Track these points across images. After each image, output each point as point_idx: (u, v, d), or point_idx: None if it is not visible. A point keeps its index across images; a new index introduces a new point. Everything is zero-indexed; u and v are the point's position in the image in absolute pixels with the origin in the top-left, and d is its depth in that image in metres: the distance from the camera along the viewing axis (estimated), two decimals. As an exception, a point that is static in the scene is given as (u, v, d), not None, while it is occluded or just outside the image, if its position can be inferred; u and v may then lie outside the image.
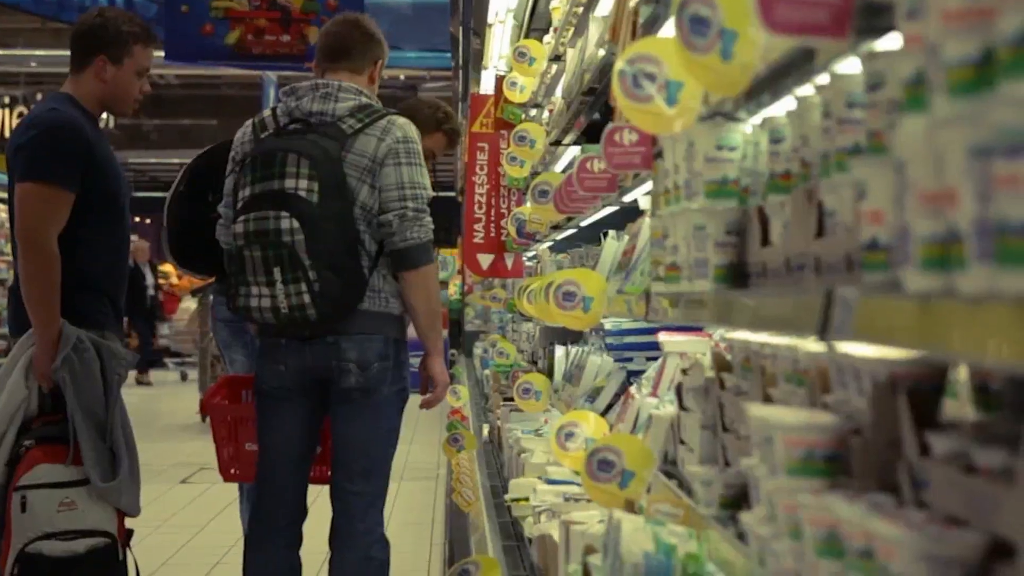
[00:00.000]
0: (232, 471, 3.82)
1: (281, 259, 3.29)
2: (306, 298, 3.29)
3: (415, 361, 3.71)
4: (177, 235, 3.96)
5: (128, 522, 3.69)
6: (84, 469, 3.52)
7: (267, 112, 3.59)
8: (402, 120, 3.54)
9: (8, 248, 14.83)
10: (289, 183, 3.33)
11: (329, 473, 3.64)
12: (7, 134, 14.62)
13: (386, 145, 3.45)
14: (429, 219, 3.50)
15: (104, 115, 3.94)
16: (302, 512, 3.64)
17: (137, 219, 31.94)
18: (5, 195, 4.63)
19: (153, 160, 24.62)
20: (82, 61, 3.75)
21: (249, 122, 3.60)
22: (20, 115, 14.81)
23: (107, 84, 3.74)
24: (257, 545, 3.62)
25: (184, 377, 16.35)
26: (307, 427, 3.60)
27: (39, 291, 3.54)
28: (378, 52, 3.70)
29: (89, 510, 3.54)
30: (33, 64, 17.21)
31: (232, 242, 3.43)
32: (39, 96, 14.58)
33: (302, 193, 3.32)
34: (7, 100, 15.37)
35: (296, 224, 3.29)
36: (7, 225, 14.58)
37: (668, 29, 2.66)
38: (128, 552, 3.69)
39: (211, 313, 4.78)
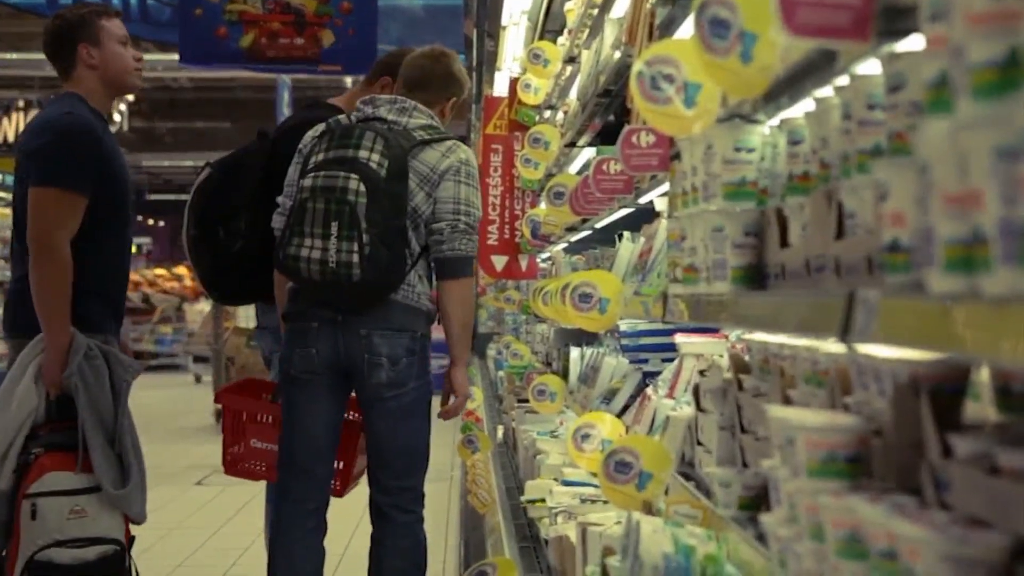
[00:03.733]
0: (236, 466, 3.87)
1: (341, 215, 3.41)
2: (355, 257, 3.39)
3: (437, 361, 3.77)
4: (208, 277, 3.98)
5: (145, 523, 3.71)
6: (94, 477, 3.52)
7: (342, 116, 3.67)
8: (466, 147, 3.69)
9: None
10: (363, 153, 3.48)
11: (342, 487, 3.81)
12: (23, 137, 14.64)
13: (448, 162, 3.58)
14: (476, 237, 3.64)
15: (117, 117, 3.96)
16: (327, 499, 3.71)
17: (151, 221, 31.99)
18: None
19: (167, 163, 24.69)
20: (67, 61, 3.77)
21: (323, 123, 3.67)
22: (35, 118, 14.84)
23: (100, 67, 3.74)
24: (286, 527, 3.65)
25: (198, 379, 16.39)
26: (333, 414, 3.65)
27: (52, 297, 3.51)
28: (454, 91, 3.82)
29: (99, 517, 3.54)
30: (48, 68, 17.23)
31: (297, 195, 3.52)
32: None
33: (373, 165, 3.46)
34: (21, 104, 15.37)
35: (363, 188, 3.42)
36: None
37: (685, 31, 2.66)
38: (129, 558, 3.69)
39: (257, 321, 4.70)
